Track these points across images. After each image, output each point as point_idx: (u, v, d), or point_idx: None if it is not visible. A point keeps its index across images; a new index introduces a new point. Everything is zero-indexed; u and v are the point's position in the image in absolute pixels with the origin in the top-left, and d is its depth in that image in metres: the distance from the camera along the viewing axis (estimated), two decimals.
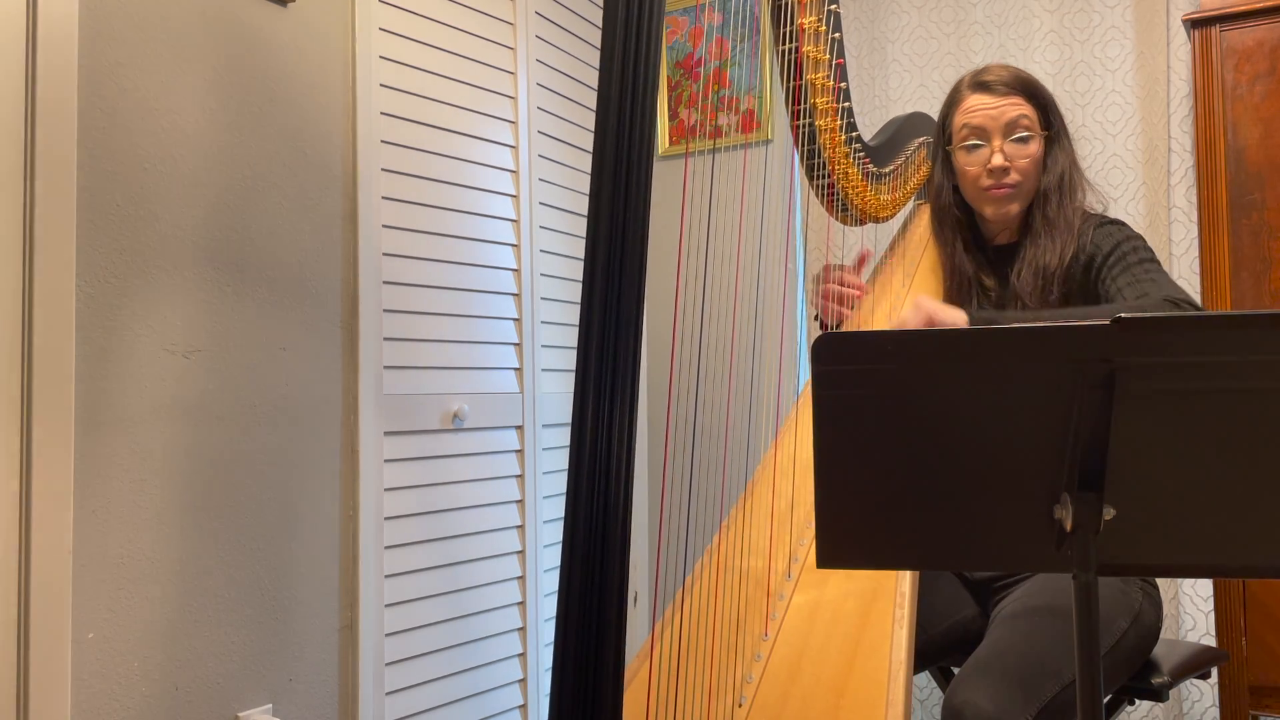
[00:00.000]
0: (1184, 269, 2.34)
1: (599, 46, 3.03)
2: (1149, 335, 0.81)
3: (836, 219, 1.82)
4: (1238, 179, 2.09)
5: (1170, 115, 2.36)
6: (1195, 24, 2.14)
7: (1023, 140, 1.57)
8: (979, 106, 1.58)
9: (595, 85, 3.01)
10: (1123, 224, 1.58)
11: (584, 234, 2.98)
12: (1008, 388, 0.86)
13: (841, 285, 1.77)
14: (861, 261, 1.82)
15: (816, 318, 1.82)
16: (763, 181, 2.96)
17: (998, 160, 1.58)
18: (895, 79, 2.76)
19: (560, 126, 2.59)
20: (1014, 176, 1.59)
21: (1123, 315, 0.80)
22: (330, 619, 1.96)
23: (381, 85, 2.08)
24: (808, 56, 1.61)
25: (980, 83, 1.59)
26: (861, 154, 1.75)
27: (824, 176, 1.71)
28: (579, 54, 2.65)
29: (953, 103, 1.63)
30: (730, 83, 3.00)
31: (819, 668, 1.25)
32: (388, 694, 2.04)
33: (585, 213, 2.92)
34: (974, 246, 1.68)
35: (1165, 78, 2.37)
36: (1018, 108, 1.57)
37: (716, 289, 2.89)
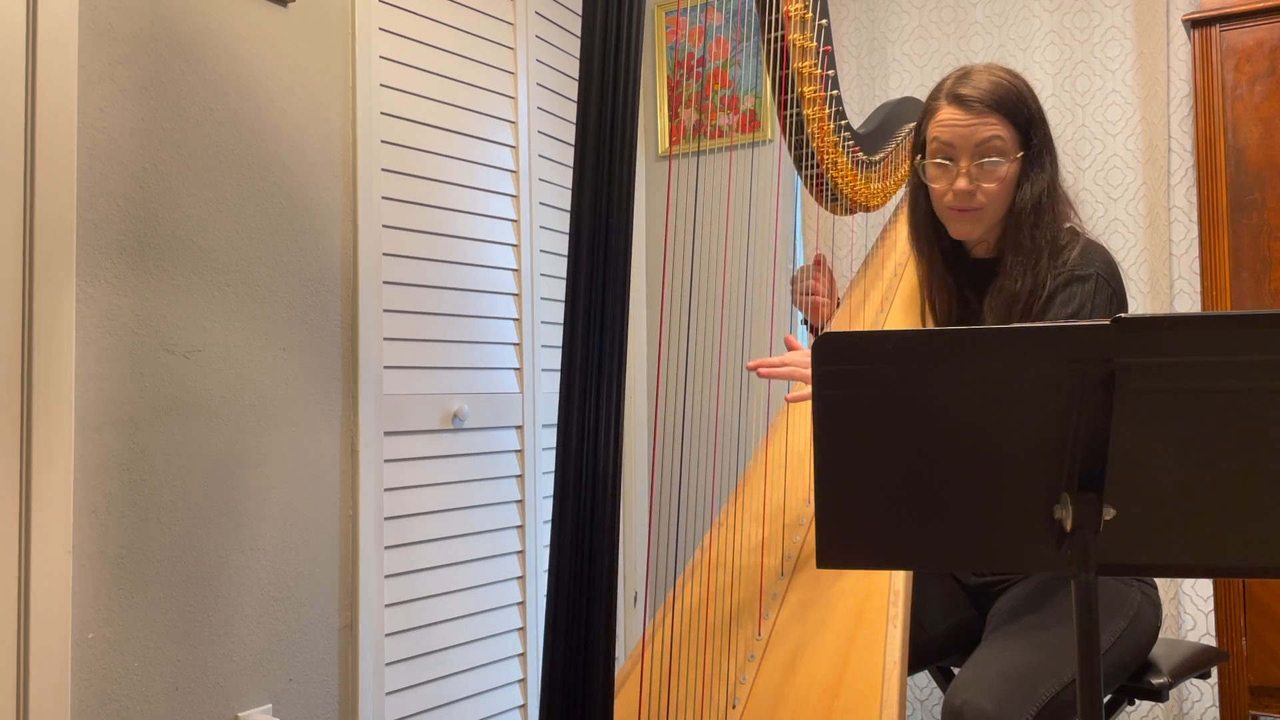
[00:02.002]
0: (1184, 269, 2.34)
1: None
2: (1149, 335, 0.81)
3: (826, 209, 1.78)
4: (1238, 179, 2.09)
5: (1170, 115, 2.36)
6: (1195, 24, 2.14)
7: (992, 164, 1.48)
8: (950, 121, 1.49)
9: None
10: (1090, 280, 1.46)
11: None
12: (1008, 388, 0.86)
13: (807, 294, 1.75)
14: (818, 264, 1.77)
15: (805, 321, 1.81)
16: (763, 181, 2.96)
17: (961, 184, 1.49)
18: (895, 79, 2.76)
19: (560, 126, 2.59)
20: (979, 199, 1.50)
21: (1122, 315, 0.80)
22: (330, 619, 1.96)
23: (381, 85, 2.08)
24: (794, 44, 1.56)
25: (956, 95, 1.49)
26: (851, 142, 1.71)
27: (813, 166, 1.66)
28: (579, 54, 2.65)
29: (929, 110, 1.54)
30: (731, 82, 3.00)
31: (813, 667, 1.24)
32: (388, 694, 2.04)
33: None
34: (952, 256, 1.62)
35: (1165, 78, 2.38)
36: (991, 128, 1.47)
37: (713, 288, 2.89)
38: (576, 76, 2.92)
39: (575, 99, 2.88)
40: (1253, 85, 2.09)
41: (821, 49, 1.59)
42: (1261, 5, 2.07)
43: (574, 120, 2.62)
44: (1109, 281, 1.47)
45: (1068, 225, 1.53)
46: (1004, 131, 1.48)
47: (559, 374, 2.43)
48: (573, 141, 2.75)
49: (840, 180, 1.71)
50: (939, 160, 1.52)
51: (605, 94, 1.02)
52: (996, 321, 1.49)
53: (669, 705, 1.23)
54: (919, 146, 1.57)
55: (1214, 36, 2.12)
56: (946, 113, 1.50)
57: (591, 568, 1.00)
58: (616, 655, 1.07)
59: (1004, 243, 1.54)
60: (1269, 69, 2.07)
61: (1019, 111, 1.49)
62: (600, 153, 1.02)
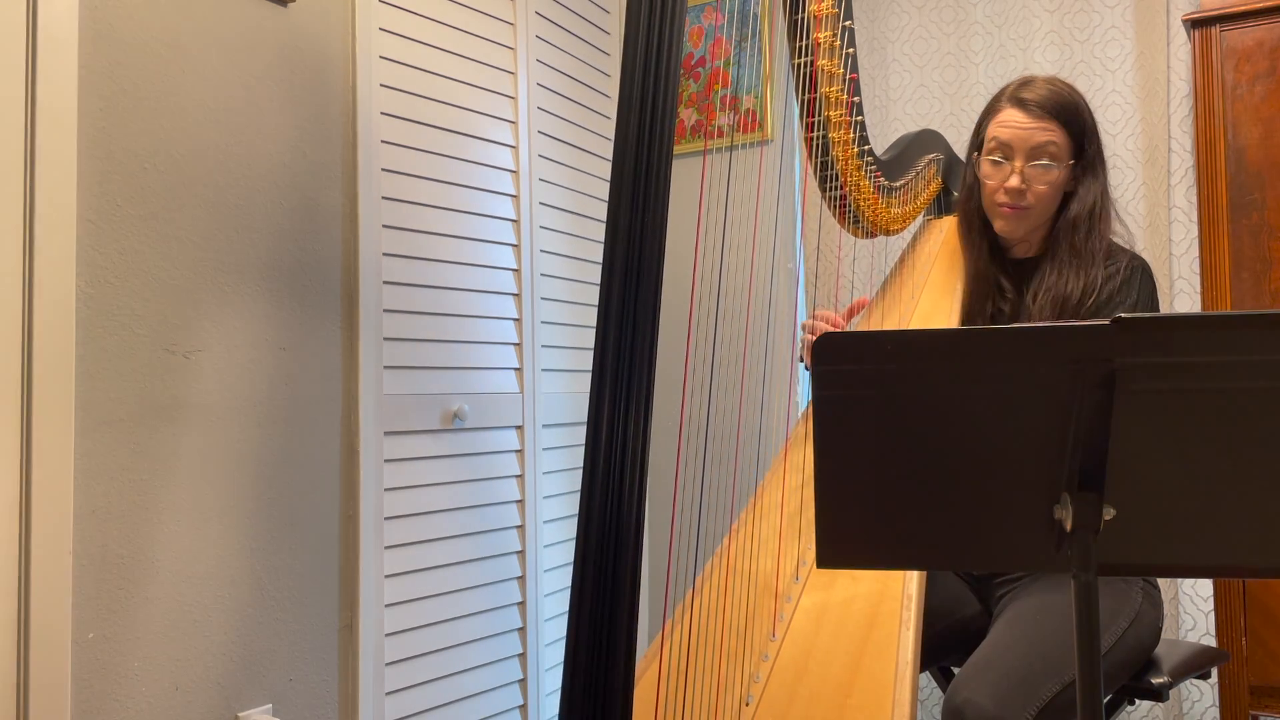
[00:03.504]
0: (1184, 269, 2.34)
1: (600, 47, 3.01)
2: (1149, 335, 0.81)
3: (848, 230, 1.85)
4: (1238, 179, 2.09)
5: (1170, 115, 2.36)
6: (1195, 24, 2.14)
7: (1045, 167, 1.56)
8: (1011, 123, 1.57)
9: (596, 86, 2.99)
10: (1140, 272, 1.56)
11: (584, 234, 2.97)
12: (1008, 388, 0.86)
13: (814, 333, 1.77)
14: (854, 310, 1.81)
15: (801, 359, 1.85)
16: (764, 182, 2.96)
17: (1013, 181, 1.57)
18: (895, 79, 2.76)
19: (560, 126, 2.59)
20: (1028, 199, 1.58)
21: (1122, 315, 0.80)
22: (330, 619, 1.96)
23: (381, 85, 2.08)
24: (822, 70, 1.64)
25: (1019, 99, 1.58)
26: (874, 167, 1.78)
27: (836, 188, 1.73)
28: (579, 54, 2.65)
29: (990, 110, 1.63)
30: (730, 82, 3.00)
31: (826, 668, 1.26)
32: (388, 694, 2.04)
33: (586, 213, 2.90)
34: (995, 251, 1.69)
35: (1165, 78, 2.37)
36: (1048, 133, 1.55)
37: (720, 291, 2.89)
38: (577, 77, 2.91)
39: (576, 99, 2.86)
40: (1253, 85, 2.09)
41: (848, 76, 1.66)
42: (1261, 5, 2.07)
43: (574, 120, 2.63)
44: (1151, 278, 1.59)
45: (1117, 238, 1.62)
46: (1059, 138, 1.56)
47: (563, 373, 2.43)
48: (574, 142, 2.76)
49: (862, 203, 1.77)
50: (994, 158, 1.60)
51: (645, 100, 1.05)
52: (1042, 318, 1.57)
53: (685, 700, 1.25)
54: (976, 144, 1.65)
55: (1214, 36, 2.12)
56: (1008, 114, 1.59)
57: (616, 563, 1.01)
58: None
59: (1051, 246, 1.61)
60: (1269, 69, 2.07)
61: (1075, 121, 1.57)
62: (639, 158, 1.04)
